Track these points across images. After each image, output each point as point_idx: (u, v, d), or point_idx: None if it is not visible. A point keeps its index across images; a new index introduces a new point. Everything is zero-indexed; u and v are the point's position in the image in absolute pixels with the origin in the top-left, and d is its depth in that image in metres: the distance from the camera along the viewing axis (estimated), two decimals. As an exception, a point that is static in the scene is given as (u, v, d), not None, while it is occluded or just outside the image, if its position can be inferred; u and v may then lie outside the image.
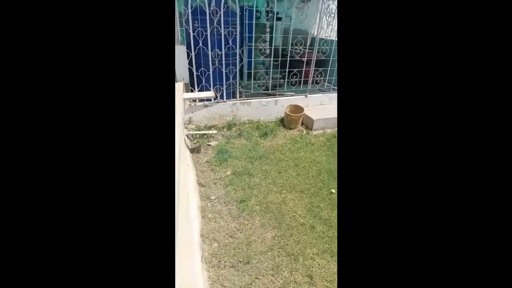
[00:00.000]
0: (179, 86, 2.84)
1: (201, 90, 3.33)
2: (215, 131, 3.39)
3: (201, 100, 3.41)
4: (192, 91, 3.31)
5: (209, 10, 2.95)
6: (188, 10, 2.91)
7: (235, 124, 3.67)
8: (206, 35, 3.05)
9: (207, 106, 3.46)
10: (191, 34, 3.02)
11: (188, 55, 3.11)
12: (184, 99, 2.75)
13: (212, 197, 2.35)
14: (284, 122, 3.74)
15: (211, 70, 3.25)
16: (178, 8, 2.98)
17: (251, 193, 2.39)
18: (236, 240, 1.93)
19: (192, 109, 3.41)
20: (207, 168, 2.81)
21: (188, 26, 2.99)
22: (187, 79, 3.22)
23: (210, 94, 2.91)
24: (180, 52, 3.05)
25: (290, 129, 3.65)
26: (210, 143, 3.24)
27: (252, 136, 3.42)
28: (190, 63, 3.17)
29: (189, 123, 3.51)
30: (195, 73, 3.21)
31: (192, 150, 3.10)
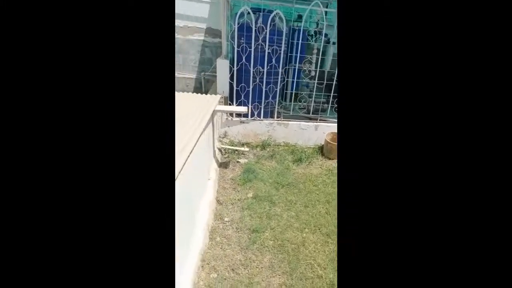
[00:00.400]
0: (215, 98, 2.81)
1: (239, 105, 3.26)
2: (247, 149, 3.24)
3: (238, 115, 3.33)
4: (230, 105, 3.26)
5: (255, 27, 2.91)
6: (235, 26, 2.92)
7: (269, 145, 3.47)
8: (250, 52, 3.01)
9: (243, 123, 3.37)
10: (235, 49, 3.01)
11: (230, 69, 3.10)
12: (216, 111, 2.68)
13: (226, 219, 2.15)
14: (323, 151, 3.39)
15: (251, 86, 3.17)
16: (226, 25, 3.03)
17: (267, 223, 2.11)
18: (237, 276, 1.66)
19: (228, 123, 3.35)
20: (230, 185, 2.64)
21: (234, 41, 3.00)
22: (227, 93, 3.20)
23: (243, 109, 2.79)
24: (223, 65, 3.06)
25: (329, 159, 3.28)
26: (239, 160, 3.10)
27: (285, 159, 3.17)
28: (231, 78, 3.15)
29: (224, 137, 3.45)
30: (235, 88, 3.17)
31: (220, 164, 3.00)
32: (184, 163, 1.51)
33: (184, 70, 4.49)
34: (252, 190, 2.52)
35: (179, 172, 1.43)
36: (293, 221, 2.15)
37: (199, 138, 1.91)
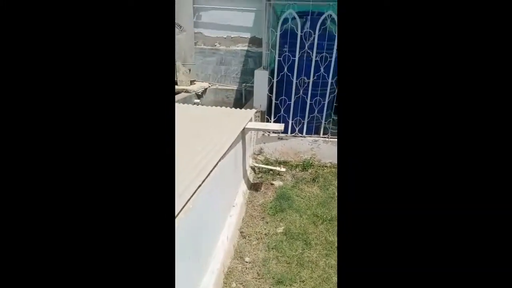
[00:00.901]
0: (248, 114, 2.52)
1: (277, 120, 2.91)
2: (284, 169, 2.85)
3: (276, 132, 2.98)
4: (268, 120, 2.93)
5: (301, 32, 2.56)
6: (277, 32, 2.62)
7: (312, 165, 3.00)
8: (293, 61, 2.65)
9: (281, 139, 3.00)
10: (276, 58, 2.69)
11: (270, 81, 2.79)
12: (247, 129, 2.37)
13: (247, 259, 1.78)
14: (378, 176, 2.78)
15: (292, 99, 2.79)
16: (267, 32, 2.75)
17: (297, 272, 1.67)
18: None
19: (264, 140, 3.02)
20: (258, 213, 2.28)
21: (275, 50, 2.69)
22: (264, 107, 2.88)
23: (278, 126, 2.41)
24: (262, 77, 2.76)
25: (385, 187, 2.66)
26: (274, 182, 2.72)
27: (330, 185, 2.66)
28: (270, 90, 2.83)
29: (259, 154, 3.12)
30: (274, 101, 2.84)
31: (251, 186, 2.67)
32: (192, 195, 1.22)
33: (226, 82, 4.37)
34: (283, 223, 2.11)
35: (186, 205, 1.14)
36: (331, 273, 1.66)
37: (219, 160, 1.62)
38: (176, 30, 3.68)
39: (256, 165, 2.89)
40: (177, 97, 3.51)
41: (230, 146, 1.87)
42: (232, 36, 4.12)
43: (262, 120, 2.95)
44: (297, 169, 2.98)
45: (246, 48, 4.14)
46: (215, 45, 4.20)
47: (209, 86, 4.31)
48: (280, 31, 2.60)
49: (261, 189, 2.63)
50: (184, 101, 3.54)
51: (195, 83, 4.25)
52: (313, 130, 3.01)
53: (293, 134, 2.95)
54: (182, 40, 3.79)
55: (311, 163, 3.00)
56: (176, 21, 3.63)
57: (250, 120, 2.59)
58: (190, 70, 3.97)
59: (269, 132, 2.97)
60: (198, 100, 3.87)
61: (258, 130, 2.70)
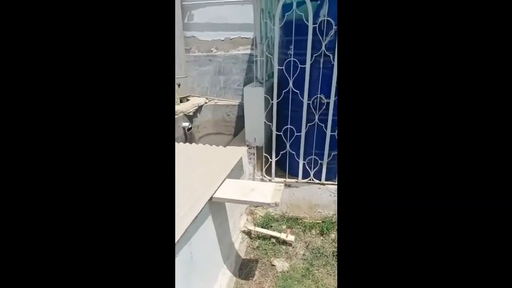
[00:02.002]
0: (235, 154, 1.56)
1: (282, 161, 1.91)
2: (292, 237, 1.84)
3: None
4: (267, 161, 1.94)
5: (315, 23, 1.54)
6: (274, 25, 1.63)
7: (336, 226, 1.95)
8: (303, 69, 1.64)
9: (289, 186, 1.99)
10: (276, 67, 1.70)
11: (267, 102, 1.80)
12: (215, 199, 1.34)
13: None
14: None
15: (303, 129, 1.78)
16: (259, 26, 1.76)
17: None
18: None
19: (265, 186, 2.04)
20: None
21: (273, 53, 1.70)
22: (260, 141, 1.90)
23: (266, 199, 1.26)
24: (255, 97, 1.79)
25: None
26: (275, 262, 1.73)
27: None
28: (268, 116, 1.84)
29: (257, 206, 2.15)
30: (274, 132, 1.85)
31: (241, 265, 1.71)
32: None
33: (226, 95, 3.45)
34: None
35: None
36: None
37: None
38: (158, 35, 2.85)
39: (252, 228, 1.91)
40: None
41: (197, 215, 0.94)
42: (231, 37, 3.19)
43: (259, 160, 1.97)
44: (313, 232, 1.94)
45: (248, 51, 3.19)
46: (212, 51, 3.32)
47: (206, 102, 3.44)
48: (281, 23, 1.61)
49: (254, 274, 1.66)
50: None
51: (188, 99, 3.41)
52: (336, 174, 1.96)
53: (306, 180, 1.93)
54: (167, 47, 2.95)
55: (335, 223, 1.95)
56: (157, 23, 2.80)
57: (239, 163, 1.63)
58: (179, 85, 3.12)
59: (270, 175, 1.97)
60: (187, 124, 3.00)
61: (236, 202, 1.37)
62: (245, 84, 3.34)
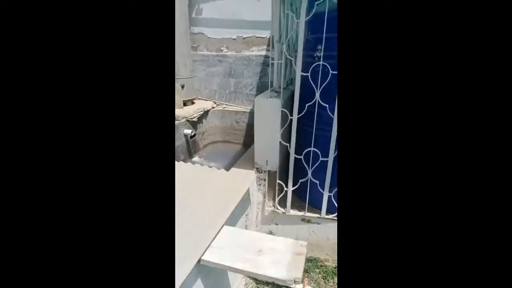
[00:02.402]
0: (242, 183, 1.18)
1: (301, 190, 1.51)
2: (310, 289, 1.44)
3: (298, 206, 1.58)
4: (281, 190, 1.54)
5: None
6: (298, 18, 1.23)
7: (367, 274, 1.54)
8: (335, 77, 1.24)
9: (309, 221, 1.59)
10: (298, 73, 1.30)
11: (284, 118, 1.41)
12: (203, 261, 0.95)
13: None
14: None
15: (331, 153, 1.37)
16: (277, 19, 1.37)
17: None
18: None
19: (276, 218, 1.65)
20: None
21: (294, 55, 1.31)
22: (274, 165, 1.51)
23: (280, 273, 0.86)
24: (269, 110, 1.39)
25: None
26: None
27: None
28: (285, 135, 1.45)
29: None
30: (293, 155, 1.45)
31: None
32: None
33: (236, 100, 3.08)
34: None
35: None
36: None
37: None
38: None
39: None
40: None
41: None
42: (244, 36, 2.81)
43: (271, 188, 1.58)
44: (337, 280, 1.53)
45: (263, 53, 2.80)
46: (222, 50, 2.95)
47: (213, 107, 3.07)
48: (308, 16, 1.21)
49: None
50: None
51: (194, 102, 3.06)
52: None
53: (332, 216, 1.52)
54: (171, 45, 2.59)
55: (366, 270, 1.53)
56: (161, 17, 2.45)
57: (246, 194, 1.26)
58: (183, 87, 2.77)
59: (284, 207, 1.57)
60: (189, 131, 2.64)
61: (235, 271, 0.98)
62: (258, 89, 2.95)
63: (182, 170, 1.48)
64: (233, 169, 1.54)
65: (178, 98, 2.75)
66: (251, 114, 2.94)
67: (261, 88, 2.92)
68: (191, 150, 2.82)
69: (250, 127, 3.00)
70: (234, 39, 2.85)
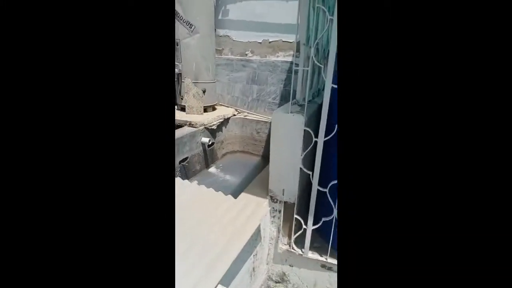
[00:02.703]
0: (246, 220, 0.93)
1: (324, 229, 1.20)
2: None
3: (317, 248, 1.27)
4: (299, 227, 1.25)
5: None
6: (333, 16, 0.95)
7: None
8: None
9: (330, 269, 1.27)
10: (329, 84, 1.01)
11: (309, 139, 1.12)
12: None
13: None
14: None
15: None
16: (305, 19, 1.09)
17: None
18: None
19: (291, 259, 1.35)
20: None
21: (325, 61, 1.02)
22: (293, 195, 1.22)
23: None
24: (290, 129, 1.12)
25: None
26: None
27: None
28: (307, 161, 1.15)
29: (278, 283, 1.46)
30: (316, 186, 1.14)
31: None
32: None
33: (259, 109, 2.84)
34: None
35: None
36: None
37: None
38: (185, 31, 2.37)
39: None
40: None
41: None
42: (270, 40, 2.58)
43: (287, 223, 1.29)
44: None
45: (290, 58, 2.54)
46: (246, 54, 2.74)
47: (234, 115, 2.87)
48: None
49: None
50: (181, 142, 2.19)
51: (215, 108, 2.88)
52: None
53: (360, 266, 1.19)
54: (194, 46, 2.45)
55: None
56: (185, 17, 2.32)
57: (256, 230, 1.00)
58: (205, 92, 2.60)
59: (301, 246, 1.27)
60: (207, 139, 2.46)
61: None
62: (282, 99, 2.68)
63: (183, 191, 1.26)
64: (243, 196, 1.28)
65: (199, 104, 2.59)
66: (274, 124, 2.67)
67: (286, 96, 2.65)
68: (208, 159, 2.63)
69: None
70: (260, 42, 2.62)
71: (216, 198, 1.22)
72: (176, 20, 2.36)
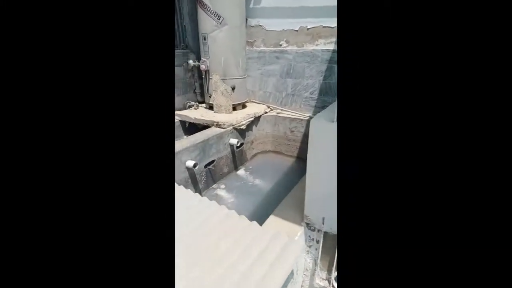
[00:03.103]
0: (275, 258, 0.71)
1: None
2: None
3: None
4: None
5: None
6: None
7: None
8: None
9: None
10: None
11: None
12: None
13: None
14: None
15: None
16: None
17: None
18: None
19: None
20: None
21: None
22: (333, 226, 0.96)
23: None
24: (329, 138, 0.85)
25: None
26: None
27: None
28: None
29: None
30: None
31: None
32: None
33: (294, 105, 2.56)
34: None
35: None
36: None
37: None
38: (213, 23, 2.18)
39: None
40: (198, 135, 2.04)
41: None
42: (308, 26, 2.26)
43: (327, 255, 1.03)
44: None
45: (332, 47, 2.20)
46: (280, 45, 2.46)
47: (266, 112, 2.63)
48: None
49: None
50: (208, 144, 2.03)
51: (246, 106, 2.68)
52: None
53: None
54: (222, 39, 2.25)
55: None
56: (212, 8, 2.13)
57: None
58: (233, 89, 2.41)
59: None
60: (235, 140, 2.27)
61: None
62: (321, 93, 2.36)
63: (197, 210, 1.07)
64: (272, 220, 1.05)
65: (228, 102, 2.40)
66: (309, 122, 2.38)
67: (326, 91, 2.33)
68: (237, 161, 2.46)
69: (306, 138, 2.44)
70: (296, 30, 2.32)
71: (237, 224, 1.01)
72: (203, 12, 2.18)
